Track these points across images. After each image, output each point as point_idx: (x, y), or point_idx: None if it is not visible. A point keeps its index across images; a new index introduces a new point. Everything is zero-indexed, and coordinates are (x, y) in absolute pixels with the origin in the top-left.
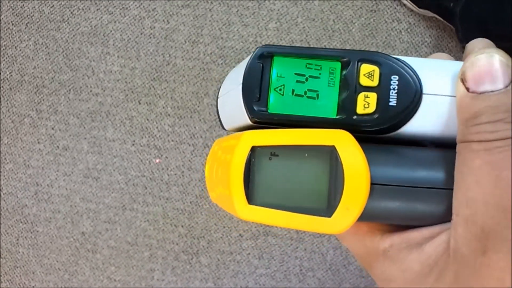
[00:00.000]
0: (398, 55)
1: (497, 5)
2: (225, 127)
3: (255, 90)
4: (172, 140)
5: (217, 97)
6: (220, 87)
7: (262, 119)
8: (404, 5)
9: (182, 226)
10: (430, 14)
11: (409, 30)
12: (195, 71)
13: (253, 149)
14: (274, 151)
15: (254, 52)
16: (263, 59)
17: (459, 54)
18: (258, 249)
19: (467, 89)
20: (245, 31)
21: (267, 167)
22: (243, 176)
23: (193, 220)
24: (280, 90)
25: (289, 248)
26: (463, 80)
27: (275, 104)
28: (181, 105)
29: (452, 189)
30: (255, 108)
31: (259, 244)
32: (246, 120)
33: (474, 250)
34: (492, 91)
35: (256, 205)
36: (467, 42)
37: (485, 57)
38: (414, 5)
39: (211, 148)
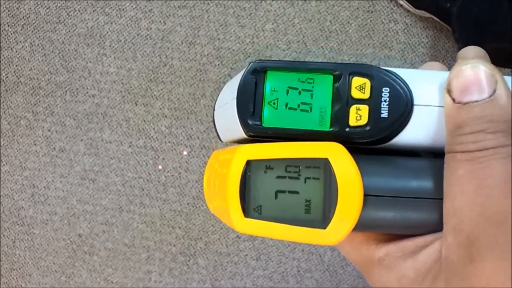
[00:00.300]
0: (395, 55)
1: (494, 5)
2: (222, 139)
3: (249, 104)
4: (169, 142)
5: (214, 110)
6: (216, 99)
7: (256, 133)
8: (401, 5)
9: (180, 228)
10: (427, 14)
11: (405, 30)
12: (192, 72)
13: (248, 162)
14: (268, 164)
15: (247, 67)
16: (257, 74)
17: (455, 54)
18: (255, 251)
19: (453, 99)
20: (242, 32)
21: (262, 181)
22: (239, 189)
23: (190, 222)
24: (274, 103)
25: (286, 249)
26: (449, 91)
27: (269, 118)
28: (178, 107)
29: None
30: (249, 122)
31: (257, 245)
32: (241, 133)
33: (462, 258)
34: (476, 101)
35: (253, 218)
36: (464, 42)
37: (469, 68)
38: (411, 6)
39: (209, 160)
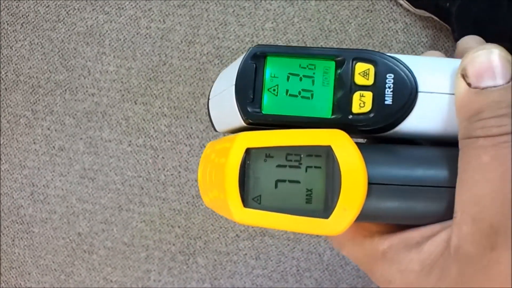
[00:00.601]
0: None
1: (493, 4)
2: (217, 128)
3: (248, 90)
4: (169, 141)
5: (208, 98)
6: (211, 88)
7: (256, 120)
8: (401, 5)
9: (179, 227)
10: (427, 14)
11: (405, 30)
12: (191, 71)
13: (248, 151)
14: (269, 152)
15: (247, 52)
16: (256, 59)
17: (455, 54)
18: (255, 250)
19: (469, 84)
20: (242, 31)
21: (262, 169)
22: (238, 178)
23: (189, 221)
24: (274, 90)
25: (286, 249)
26: (463, 76)
27: (269, 105)
28: (177, 105)
29: (452, 187)
30: (248, 109)
31: (256, 244)
32: (239, 121)
33: (482, 247)
34: (495, 86)
35: (252, 208)
36: None
37: (485, 53)
38: (411, 5)
39: (204, 151)
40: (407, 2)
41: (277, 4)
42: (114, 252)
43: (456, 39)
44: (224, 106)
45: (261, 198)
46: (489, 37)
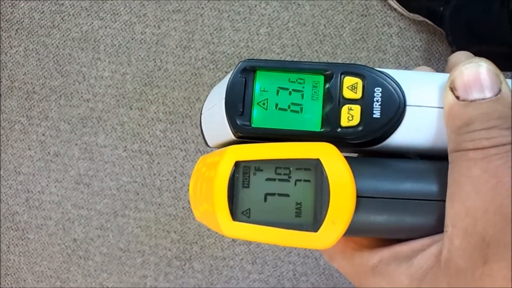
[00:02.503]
0: (389, 59)
1: (485, 9)
2: (209, 144)
3: (238, 104)
4: (164, 146)
5: (201, 114)
6: (203, 104)
7: (245, 134)
8: (395, 9)
9: (175, 232)
10: (421, 18)
11: (399, 34)
12: (186, 76)
13: (237, 164)
14: (258, 165)
15: (236, 66)
16: (246, 73)
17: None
18: (251, 254)
19: (457, 97)
20: (237, 36)
21: (252, 183)
22: (227, 192)
23: (185, 226)
24: (264, 104)
25: (282, 253)
26: (452, 89)
27: (259, 118)
28: (172, 110)
29: (441, 200)
30: (238, 122)
31: (252, 249)
32: (229, 135)
33: (473, 260)
34: (483, 99)
35: (241, 221)
36: (457, 45)
37: (473, 66)
38: (405, 10)
39: (195, 166)
40: (401, 7)
41: (272, 9)
42: (110, 258)
43: (450, 43)
44: (215, 120)
45: (250, 211)
46: (482, 40)
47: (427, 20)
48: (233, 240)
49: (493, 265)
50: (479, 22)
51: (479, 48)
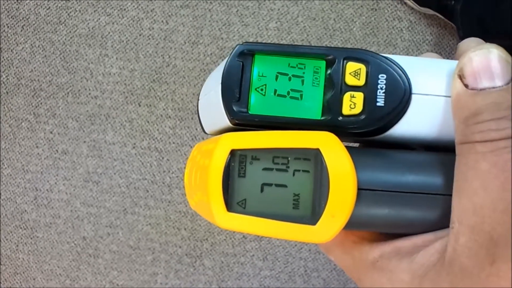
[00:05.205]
0: (399, 53)
1: (497, 2)
2: (206, 130)
3: (234, 90)
4: (173, 142)
5: (198, 99)
6: (201, 88)
7: (242, 121)
8: (405, 3)
9: (185, 229)
10: (431, 12)
11: (410, 28)
12: (195, 72)
13: (233, 152)
14: (255, 154)
15: (233, 49)
16: (244, 57)
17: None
18: (262, 251)
19: (466, 85)
20: (245, 31)
21: (248, 172)
22: (222, 181)
23: (195, 223)
24: (262, 90)
25: (293, 249)
26: (460, 77)
27: (256, 105)
28: (181, 107)
29: (446, 195)
30: (234, 108)
31: (263, 245)
32: (226, 122)
33: (480, 260)
34: (493, 87)
35: (236, 212)
36: None
37: (483, 53)
38: (415, 3)
39: (191, 153)
40: (411, 0)
41: (281, 4)
42: (120, 256)
43: (461, 37)
44: (212, 106)
45: (246, 202)
46: (494, 35)
47: (437, 14)
48: (244, 236)
49: (501, 266)
50: (490, 16)
51: (490, 42)
